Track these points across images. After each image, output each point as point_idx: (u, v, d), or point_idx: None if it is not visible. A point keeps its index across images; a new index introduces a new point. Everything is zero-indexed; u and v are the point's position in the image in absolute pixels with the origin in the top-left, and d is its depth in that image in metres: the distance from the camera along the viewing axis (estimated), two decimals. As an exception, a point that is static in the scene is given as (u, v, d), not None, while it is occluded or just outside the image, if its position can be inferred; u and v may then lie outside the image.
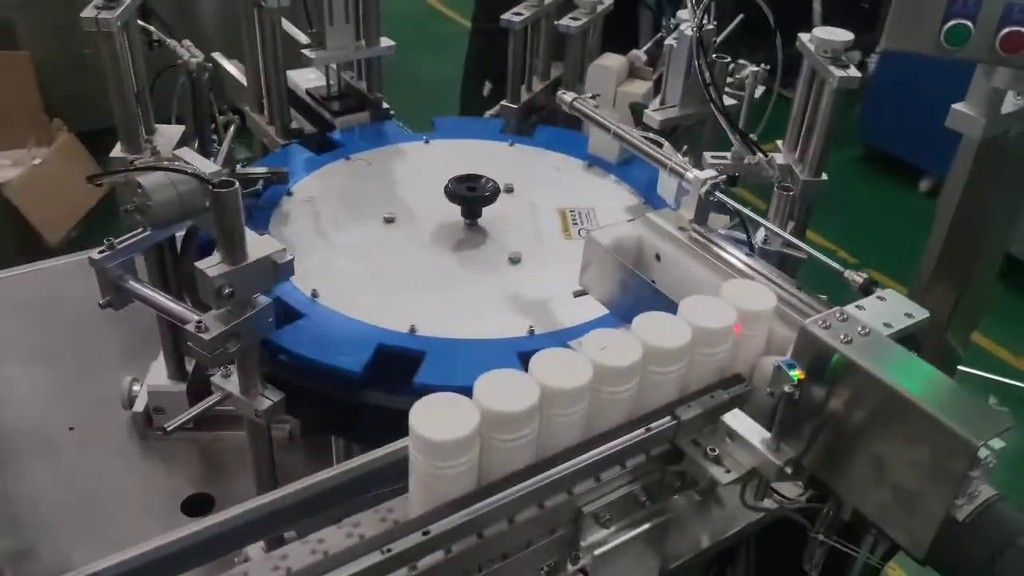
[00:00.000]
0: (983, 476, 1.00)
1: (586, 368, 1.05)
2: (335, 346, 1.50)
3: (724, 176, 1.40)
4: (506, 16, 2.27)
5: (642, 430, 1.11)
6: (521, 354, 1.47)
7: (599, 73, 2.27)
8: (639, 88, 2.27)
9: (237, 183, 1.24)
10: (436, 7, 7.86)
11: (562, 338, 1.50)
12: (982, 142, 1.78)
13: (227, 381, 1.45)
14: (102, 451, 1.93)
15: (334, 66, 2.24)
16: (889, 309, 1.15)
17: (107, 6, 1.42)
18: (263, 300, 1.35)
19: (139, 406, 1.98)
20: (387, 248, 1.79)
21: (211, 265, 1.28)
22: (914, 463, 1.01)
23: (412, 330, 1.56)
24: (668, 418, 1.13)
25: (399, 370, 1.49)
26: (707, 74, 1.61)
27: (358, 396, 1.51)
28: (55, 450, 1.91)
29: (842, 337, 1.07)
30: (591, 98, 1.73)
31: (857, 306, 1.15)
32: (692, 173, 1.41)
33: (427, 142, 2.19)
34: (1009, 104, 1.71)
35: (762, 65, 1.70)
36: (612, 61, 2.30)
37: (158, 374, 1.98)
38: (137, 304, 1.52)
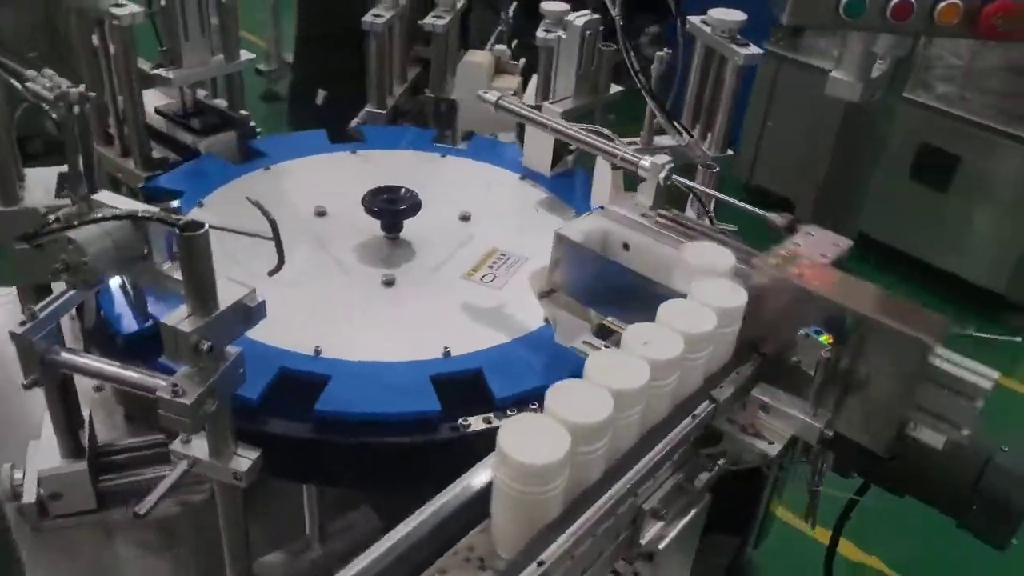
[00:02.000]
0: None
1: (642, 368, 1.04)
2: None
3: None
4: (366, 19, 2.18)
5: (688, 419, 1.12)
6: (435, 377, 1.40)
7: (469, 70, 2.24)
8: (509, 83, 2.27)
9: (207, 225, 1.11)
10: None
11: (478, 360, 1.45)
12: (848, 106, 1.95)
13: (189, 446, 1.30)
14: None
15: (186, 86, 2.05)
16: (819, 242, 1.23)
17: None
18: (233, 350, 1.22)
19: (28, 495, 1.71)
20: (298, 263, 1.65)
21: (182, 319, 1.13)
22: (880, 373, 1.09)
23: (317, 352, 1.46)
24: (707, 402, 1.14)
25: (303, 396, 1.38)
26: (635, 62, 1.63)
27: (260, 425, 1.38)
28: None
29: (795, 271, 1.14)
30: (513, 95, 1.70)
31: (794, 243, 1.22)
32: (647, 160, 1.42)
33: (354, 152, 2.07)
34: (875, 70, 1.88)
35: (665, 50, 1.75)
36: (480, 58, 2.27)
37: (44, 455, 1.72)
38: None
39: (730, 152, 1.79)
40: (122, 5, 1.77)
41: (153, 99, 2.14)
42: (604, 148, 1.51)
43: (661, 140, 1.89)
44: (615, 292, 1.38)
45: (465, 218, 1.84)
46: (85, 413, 1.68)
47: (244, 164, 1.98)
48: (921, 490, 1.25)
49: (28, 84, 1.46)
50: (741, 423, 1.17)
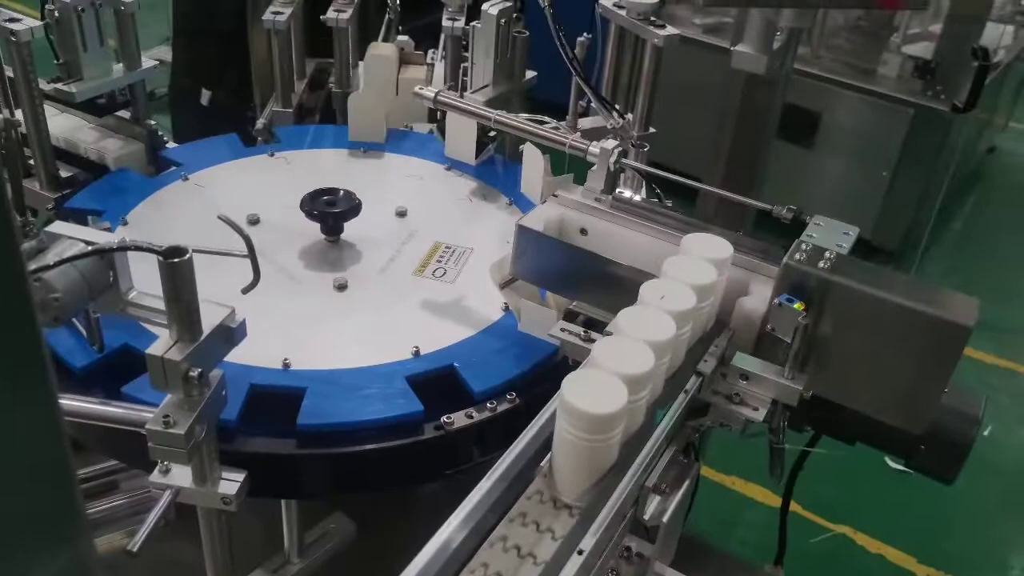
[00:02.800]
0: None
1: (667, 321, 1.13)
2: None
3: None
4: (267, 17, 2.12)
5: (681, 395, 1.18)
6: (410, 378, 1.41)
7: (377, 63, 2.21)
8: (418, 74, 2.25)
9: (190, 251, 1.07)
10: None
11: (450, 356, 1.47)
12: (749, 80, 2.05)
13: (170, 476, 1.26)
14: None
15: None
16: (829, 233, 1.32)
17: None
18: (217, 373, 1.19)
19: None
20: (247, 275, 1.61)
21: (168, 348, 1.10)
22: (911, 356, 1.19)
23: (286, 365, 1.44)
24: (695, 377, 1.21)
25: (279, 412, 1.37)
26: (567, 47, 1.66)
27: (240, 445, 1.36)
28: None
29: (821, 265, 1.22)
30: (449, 90, 1.70)
31: (809, 235, 1.30)
32: (596, 146, 1.46)
33: (272, 155, 2.00)
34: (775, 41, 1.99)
35: (586, 35, 1.79)
36: (386, 50, 2.25)
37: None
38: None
39: (652, 130, 1.85)
40: (17, 20, 1.66)
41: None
42: (551, 136, 1.55)
43: (584, 123, 1.94)
44: (581, 277, 1.42)
45: (401, 214, 1.84)
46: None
47: (160, 176, 1.90)
48: (872, 437, 1.37)
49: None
50: (725, 393, 1.24)
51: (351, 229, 1.72)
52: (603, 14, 1.84)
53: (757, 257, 1.36)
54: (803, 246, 1.26)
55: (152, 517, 1.23)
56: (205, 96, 2.95)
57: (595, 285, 1.41)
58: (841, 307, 1.21)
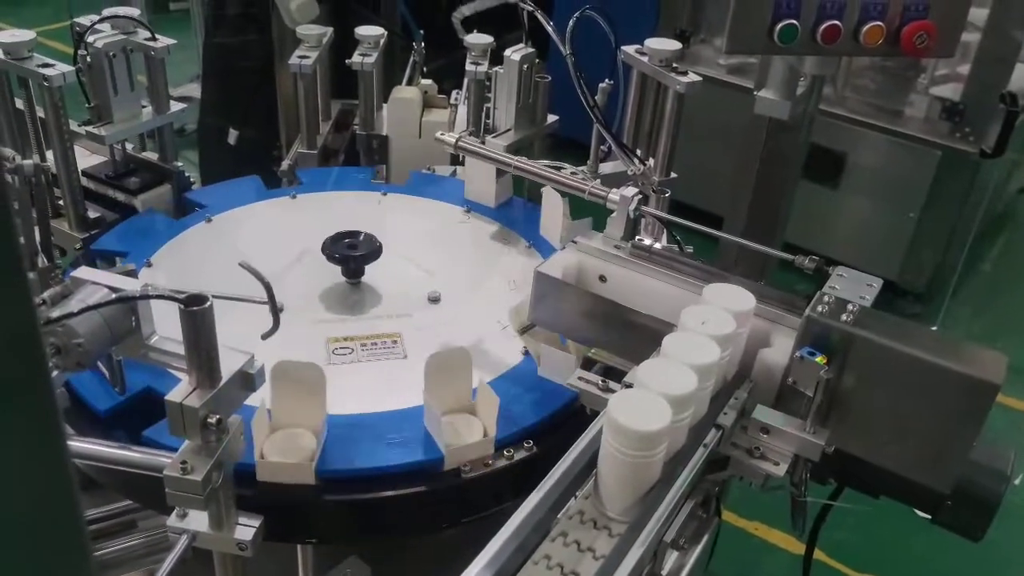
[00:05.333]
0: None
1: (711, 345, 1.17)
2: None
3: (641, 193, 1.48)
4: (293, 61, 2.16)
5: (701, 449, 1.16)
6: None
7: (400, 106, 2.24)
8: (440, 116, 2.27)
9: (211, 299, 1.08)
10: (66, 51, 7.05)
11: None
12: (773, 124, 2.05)
13: (187, 520, 1.26)
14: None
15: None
16: (852, 284, 1.30)
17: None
18: (235, 420, 1.19)
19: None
20: (297, 332, 1.62)
21: (187, 395, 1.10)
22: (938, 414, 1.16)
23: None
24: (714, 430, 1.19)
25: None
26: (588, 94, 1.67)
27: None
28: None
29: (844, 318, 1.20)
30: (470, 135, 1.72)
31: (831, 287, 1.29)
32: (616, 193, 1.46)
33: (294, 197, 2.03)
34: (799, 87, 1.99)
35: (608, 80, 1.80)
36: (410, 93, 2.28)
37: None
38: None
39: (674, 175, 1.85)
40: (51, 65, 1.70)
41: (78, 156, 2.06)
42: (571, 183, 1.55)
43: (605, 168, 1.94)
44: (599, 324, 1.42)
45: (419, 257, 1.85)
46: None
47: (184, 218, 1.92)
48: (896, 491, 1.34)
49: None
50: (745, 446, 1.22)
51: (372, 271, 1.73)
52: (626, 60, 1.85)
53: (779, 308, 1.34)
54: (825, 298, 1.25)
55: (168, 563, 1.23)
56: (232, 135, 3.00)
57: (614, 333, 1.40)
58: (864, 361, 1.19)
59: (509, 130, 1.97)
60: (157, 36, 1.90)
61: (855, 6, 1.67)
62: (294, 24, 2.45)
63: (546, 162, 1.62)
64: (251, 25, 2.86)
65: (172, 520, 1.26)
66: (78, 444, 1.25)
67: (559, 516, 1.07)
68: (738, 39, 1.67)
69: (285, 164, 2.31)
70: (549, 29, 1.74)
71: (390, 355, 1.56)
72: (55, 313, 1.09)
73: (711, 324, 1.22)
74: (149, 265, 1.74)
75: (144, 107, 1.95)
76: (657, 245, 1.57)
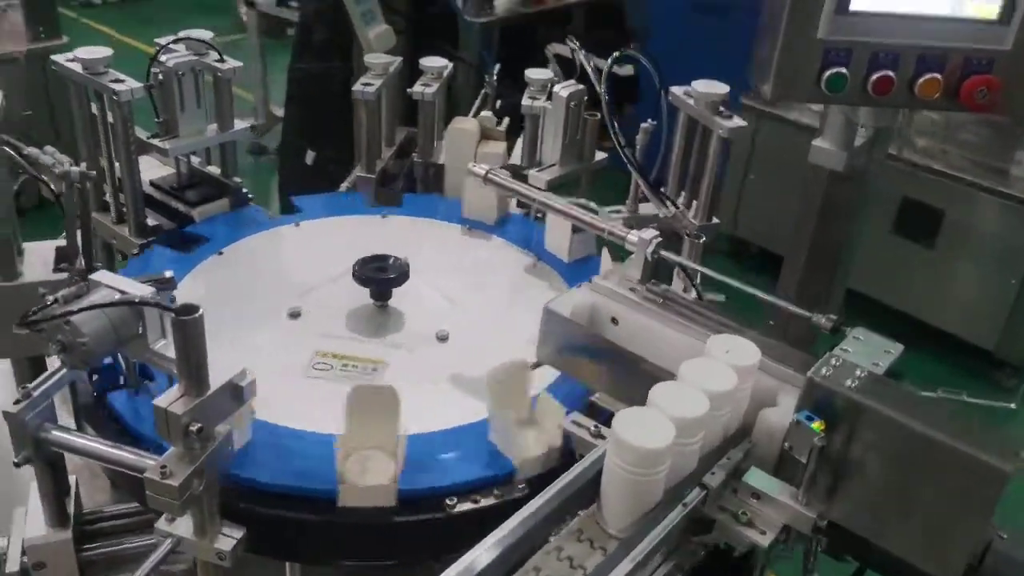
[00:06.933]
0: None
1: (730, 373, 1.18)
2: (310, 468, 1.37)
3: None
4: (357, 88, 2.22)
5: (679, 508, 1.12)
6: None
7: (457, 136, 2.27)
8: (496, 148, 2.29)
9: (201, 309, 1.12)
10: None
11: (441, 441, 1.46)
12: (832, 174, 1.98)
13: (174, 524, 1.29)
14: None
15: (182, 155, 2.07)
16: (868, 348, 1.23)
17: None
18: (223, 429, 1.22)
19: (12, 565, 1.69)
20: (300, 343, 1.66)
21: (173, 401, 1.13)
22: (942, 495, 1.08)
23: None
24: (697, 489, 1.14)
25: None
26: (620, 135, 1.66)
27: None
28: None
29: (848, 383, 1.14)
30: (524, 168, 1.73)
31: (843, 349, 1.22)
32: (635, 235, 1.44)
33: (298, 225, 2.08)
34: (858, 137, 1.92)
35: (650, 120, 1.79)
36: (468, 124, 2.30)
37: (30, 523, 1.71)
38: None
39: (715, 221, 1.81)
40: (121, 81, 1.80)
41: (149, 167, 2.17)
42: (591, 222, 1.53)
43: (646, 208, 1.91)
44: (604, 368, 1.39)
45: (450, 286, 1.86)
46: (72, 479, 1.67)
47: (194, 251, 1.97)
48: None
49: (28, 157, 1.49)
50: (733, 510, 1.16)
51: (399, 296, 1.75)
52: (673, 102, 1.83)
53: (791, 367, 1.28)
54: (833, 360, 1.19)
55: (149, 564, 1.27)
56: (310, 156, 3.10)
57: (618, 379, 1.37)
58: (866, 432, 1.12)
59: (554, 165, 1.97)
60: (225, 58, 1.98)
61: (910, 57, 1.60)
62: (372, 52, 2.53)
63: (570, 199, 1.61)
64: (334, 53, 2.96)
65: (160, 523, 1.29)
66: (72, 439, 1.30)
67: (559, 531, 1.08)
68: (784, 85, 1.63)
69: (344, 186, 2.38)
70: (588, 69, 1.74)
71: (361, 378, 1.57)
72: (60, 311, 1.14)
73: (709, 377, 1.18)
74: (191, 273, 1.81)
75: (209, 125, 2.04)
76: (687, 292, 1.54)
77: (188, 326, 1.11)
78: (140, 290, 1.21)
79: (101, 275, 1.24)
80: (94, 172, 1.49)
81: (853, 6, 1.57)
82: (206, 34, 2.01)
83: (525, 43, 4.80)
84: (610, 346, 1.36)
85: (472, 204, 2.09)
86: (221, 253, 1.92)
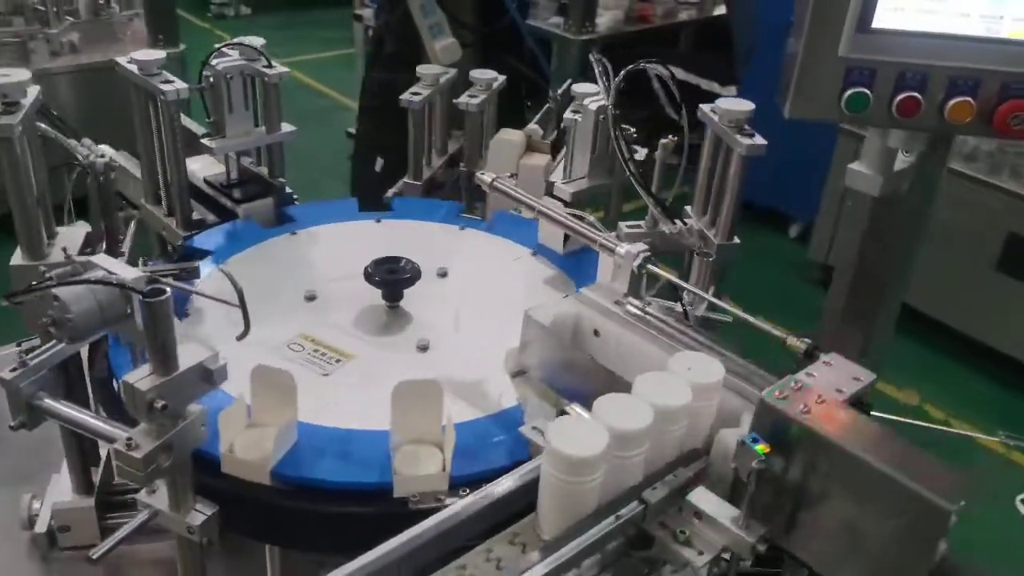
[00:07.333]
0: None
1: (685, 389, 1.17)
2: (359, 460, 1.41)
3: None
4: (405, 97, 2.28)
5: (611, 519, 1.10)
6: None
7: (501, 147, 2.30)
8: (539, 161, 2.30)
9: (169, 291, 1.18)
10: (304, 80, 7.82)
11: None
12: (874, 199, 1.89)
13: (154, 497, 1.36)
14: (0, 580, 1.76)
15: (232, 153, 2.18)
16: (837, 374, 1.19)
17: (7, 111, 1.33)
18: (195, 409, 1.28)
19: (41, 526, 1.81)
20: (320, 334, 1.71)
21: (141, 378, 1.20)
22: (886, 530, 1.03)
23: None
24: (636, 503, 1.12)
25: None
26: (625, 150, 1.65)
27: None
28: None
29: (801, 408, 1.10)
30: (509, 177, 1.74)
31: (807, 373, 1.18)
32: (623, 248, 1.43)
33: (379, 222, 2.17)
34: (900, 162, 1.83)
35: (670, 136, 1.77)
36: (512, 135, 2.33)
37: (61, 489, 1.83)
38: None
39: (736, 241, 1.77)
40: (170, 82, 1.91)
41: (206, 165, 2.30)
42: (585, 233, 1.53)
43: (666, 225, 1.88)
44: (579, 379, 1.38)
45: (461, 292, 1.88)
46: (105, 451, 1.77)
47: (273, 228, 2.08)
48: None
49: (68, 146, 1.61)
50: (674, 529, 1.14)
51: (411, 297, 1.79)
52: (700, 118, 1.80)
53: (760, 388, 1.24)
54: (792, 384, 1.15)
55: (123, 531, 1.34)
56: (378, 163, 3.20)
57: (592, 391, 1.35)
58: (812, 459, 1.08)
59: (582, 178, 1.97)
60: (274, 64, 2.08)
61: (940, 78, 1.53)
62: (439, 64, 2.60)
63: (570, 211, 1.61)
64: (403, 64, 3.04)
65: (141, 495, 1.36)
66: (60, 408, 1.38)
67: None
68: (802, 103, 1.57)
69: (390, 192, 2.44)
70: (602, 83, 1.73)
71: (322, 368, 1.60)
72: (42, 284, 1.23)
73: (662, 392, 1.16)
74: (221, 265, 1.90)
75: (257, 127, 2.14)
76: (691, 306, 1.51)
77: (155, 308, 1.17)
78: (126, 273, 1.28)
79: (100, 258, 1.33)
80: (117, 163, 1.60)
81: (876, 24, 1.51)
82: (257, 40, 2.11)
83: (625, 63, 4.75)
84: (584, 359, 1.35)
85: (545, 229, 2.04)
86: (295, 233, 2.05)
